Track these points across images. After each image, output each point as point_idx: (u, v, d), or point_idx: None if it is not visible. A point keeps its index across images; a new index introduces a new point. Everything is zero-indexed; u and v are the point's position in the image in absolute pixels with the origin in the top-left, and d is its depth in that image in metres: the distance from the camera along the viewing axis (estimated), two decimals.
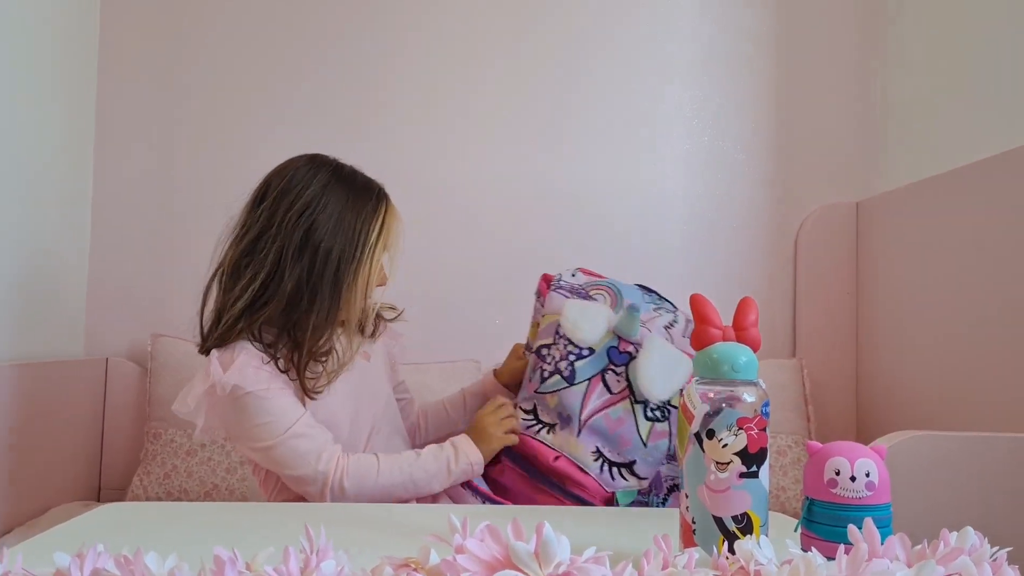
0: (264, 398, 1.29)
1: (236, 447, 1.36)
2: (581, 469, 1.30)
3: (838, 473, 0.77)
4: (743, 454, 0.77)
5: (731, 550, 0.70)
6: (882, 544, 0.68)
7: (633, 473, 1.32)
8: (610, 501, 1.31)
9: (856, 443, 0.80)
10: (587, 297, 1.41)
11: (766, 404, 0.79)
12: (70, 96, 2.07)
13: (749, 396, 0.78)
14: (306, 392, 1.34)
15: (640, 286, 1.47)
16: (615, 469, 1.31)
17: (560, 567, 0.59)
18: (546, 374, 1.36)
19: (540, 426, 1.36)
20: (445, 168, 2.28)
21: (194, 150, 2.22)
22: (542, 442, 1.33)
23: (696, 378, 0.81)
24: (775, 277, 2.32)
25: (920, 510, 1.17)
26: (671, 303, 1.46)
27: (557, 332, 1.37)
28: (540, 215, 2.29)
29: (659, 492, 1.36)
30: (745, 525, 0.77)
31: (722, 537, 0.77)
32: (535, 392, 1.37)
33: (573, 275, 1.47)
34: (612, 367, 1.34)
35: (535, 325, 1.46)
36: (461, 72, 2.30)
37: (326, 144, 2.04)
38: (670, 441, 1.33)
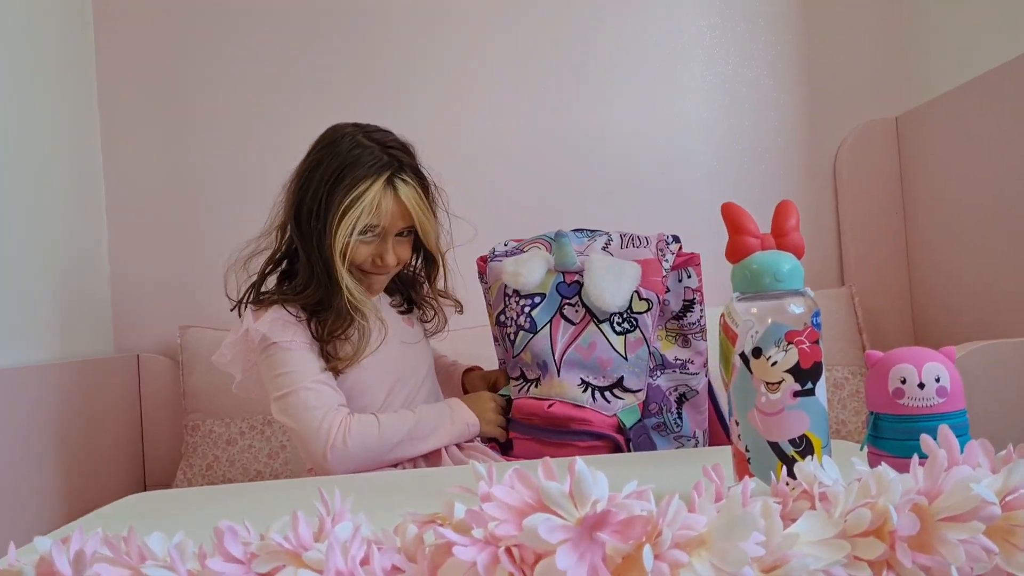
0: (287, 350, 1.33)
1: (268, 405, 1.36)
2: (576, 405, 1.29)
3: (904, 381, 0.70)
4: (795, 371, 0.70)
5: (791, 475, 0.63)
6: (961, 453, 0.60)
7: (625, 389, 1.31)
8: (619, 428, 1.29)
9: (923, 347, 0.72)
10: (522, 252, 1.42)
11: (816, 314, 0.71)
12: (69, 90, 2.02)
13: (796, 307, 0.71)
14: (332, 369, 1.36)
15: (573, 230, 1.45)
16: (606, 392, 1.30)
17: (597, 505, 0.52)
18: (511, 336, 1.37)
19: (528, 384, 1.36)
20: (457, 121, 2.20)
21: (205, 134, 2.16)
22: (533, 397, 1.33)
23: (736, 294, 0.74)
24: (815, 205, 2.22)
25: (992, 422, 1.09)
26: (602, 231, 1.45)
27: (505, 293, 1.38)
28: (559, 163, 2.20)
29: (669, 407, 1.34)
30: (804, 448, 0.70)
31: (780, 463, 0.70)
32: (513, 358, 1.38)
33: (505, 244, 1.49)
34: (566, 301, 1.34)
35: (489, 306, 1.47)
36: (471, 14, 2.21)
37: (345, 113, 1.99)
38: (647, 346, 1.32)
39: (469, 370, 1.65)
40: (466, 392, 1.58)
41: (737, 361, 0.71)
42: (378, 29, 2.19)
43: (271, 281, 1.43)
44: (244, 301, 1.41)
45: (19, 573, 0.50)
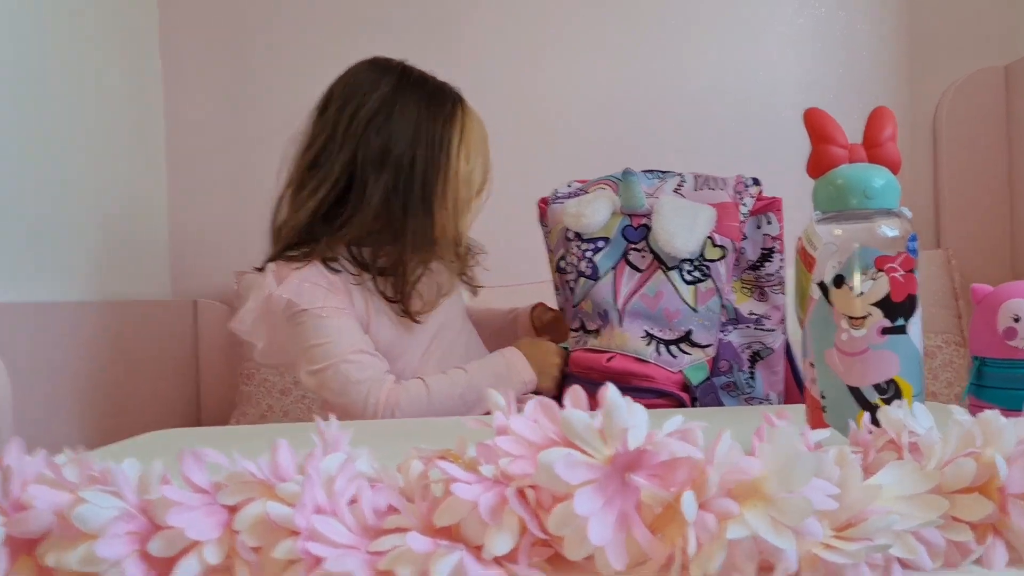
0: (321, 317, 1.19)
1: (296, 373, 1.26)
2: (639, 359, 1.17)
3: (1017, 320, 0.59)
4: (885, 304, 0.59)
5: (875, 423, 0.52)
6: None
7: (693, 344, 1.18)
8: (684, 385, 1.18)
9: None
10: (586, 194, 1.30)
11: (913, 239, 0.60)
12: (132, 34, 1.99)
13: (889, 229, 0.60)
14: (411, 318, 1.25)
15: (643, 172, 1.32)
16: (672, 347, 1.18)
17: (631, 441, 0.42)
18: (572, 283, 1.24)
19: (587, 335, 1.24)
20: (525, 73, 2.10)
21: (264, 79, 2.11)
22: (591, 349, 1.22)
23: (817, 213, 0.63)
24: (912, 162, 2.06)
25: None
26: (674, 171, 1.32)
27: (566, 237, 1.25)
28: (635, 117, 2.08)
29: (741, 366, 1.21)
30: (892, 396, 0.59)
31: (861, 413, 0.59)
32: (573, 307, 1.26)
33: (569, 186, 1.35)
34: (632, 246, 1.21)
35: (549, 252, 1.34)
36: None
37: (390, 49, 1.91)
38: (719, 297, 1.19)
39: (535, 308, 1.50)
40: (536, 330, 1.46)
41: (815, 292, 0.61)
42: None
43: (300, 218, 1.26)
44: (273, 256, 1.27)
45: None
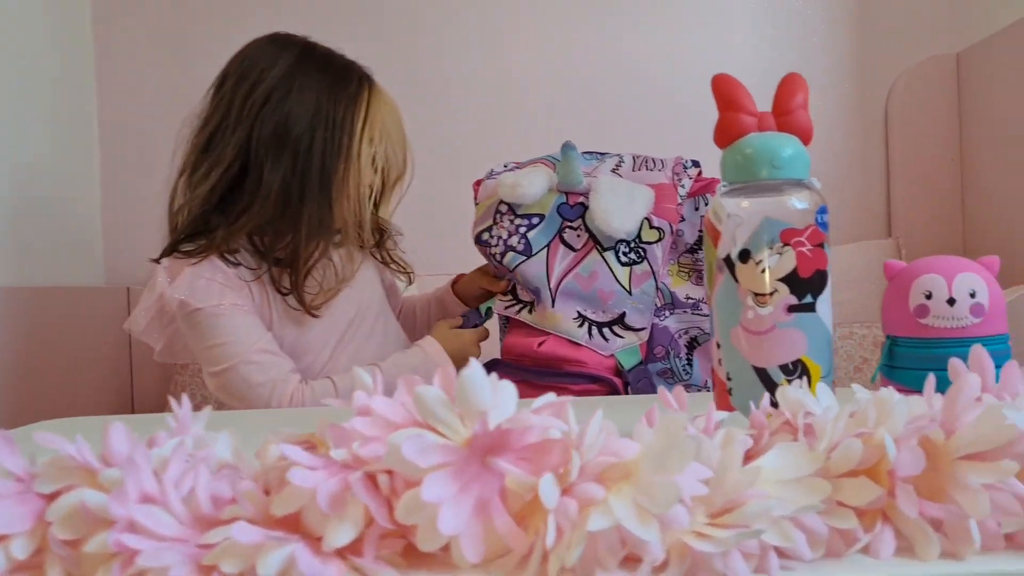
0: (217, 315, 1.12)
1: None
2: (571, 342, 1.14)
3: (929, 296, 0.55)
4: (792, 280, 0.55)
5: (774, 404, 0.49)
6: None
7: (626, 327, 1.15)
8: (615, 368, 1.15)
9: (956, 257, 0.58)
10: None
11: (822, 211, 0.57)
12: (63, 14, 1.93)
13: (799, 201, 0.57)
14: (307, 311, 1.17)
15: (582, 152, 1.28)
16: (605, 329, 1.15)
17: (490, 421, 0.39)
18: (498, 256, 1.20)
19: (520, 305, 1.21)
20: (479, 55, 2.05)
21: (201, 64, 2.04)
22: (526, 325, 1.19)
23: (724, 185, 0.60)
24: (864, 148, 2.04)
25: None
26: (613, 152, 1.29)
27: (497, 211, 1.21)
28: (589, 92, 2.04)
29: (678, 352, 1.18)
30: (799, 376, 0.56)
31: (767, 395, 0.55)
32: (509, 271, 1.21)
33: (505, 166, 1.30)
34: (568, 224, 1.18)
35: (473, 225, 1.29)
36: None
37: (358, 46, 1.86)
38: (655, 280, 1.16)
39: (456, 281, 1.44)
40: (465, 301, 1.41)
41: (721, 267, 0.57)
42: None
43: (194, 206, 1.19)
44: (168, 249, 1.20)
45: None
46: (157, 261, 1.19)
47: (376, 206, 1.28)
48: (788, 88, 0.60)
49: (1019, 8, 1.75)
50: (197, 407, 1.44)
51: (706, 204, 1.20)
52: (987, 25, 1.90)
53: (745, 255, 0.56)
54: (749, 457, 0.43)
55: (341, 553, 0.38)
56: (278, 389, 1.12)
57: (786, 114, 0.59)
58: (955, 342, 0.54)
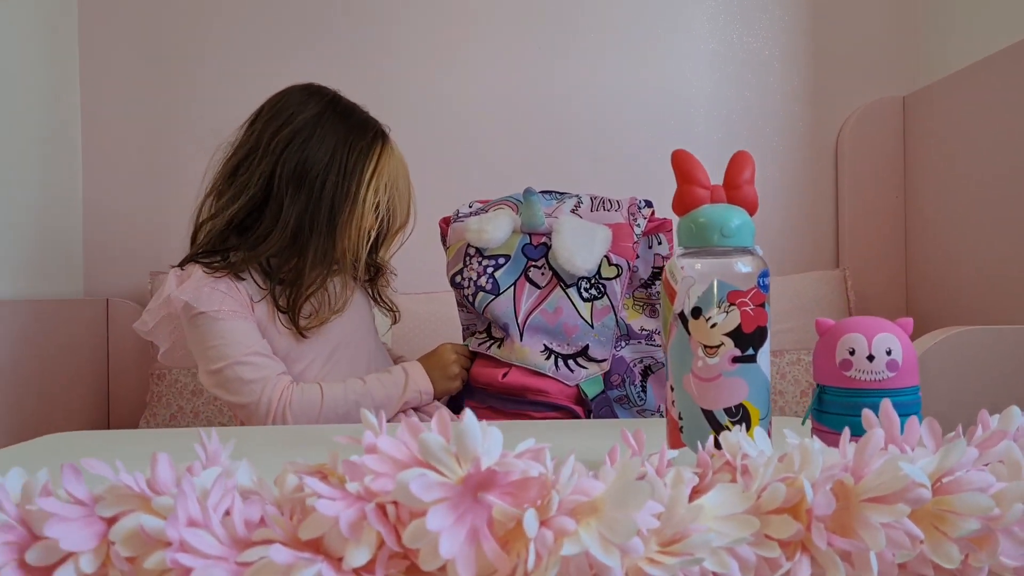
0: (216, 319, 1.25)
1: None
2: (535, 373, 1.24)
3: (852, 352, 0.64)
4: (736, 335, 0.64)
5: (717, 445, 0.57)
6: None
7: (589, 358, 1.25)
8: (579, 398, 1.24)
9: (877, 317, 0.67)
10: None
11: (764, 274, 0.66)
12: (49, 28, 1.97)
13: (743, 266, 0.65)
14: (299, 331, 1.30)
15: (541, 192, 1.38)
16: (570, 361, 1.24)
17: (482, 463, 0.47)
18: (470, 297, 1.30)
19: (491, 342, 1.31)
20: (440, 82, 2.13)
21: (184, 81, 2.11)
22: (492, 358, 1.28)
23: (680, 248, 0.68)
24: (815, 183, 2.15)
25: (965, 411, 1.03)
26: (571, 193, 1.39)
27: (466, 253, 1.31)
28: (550, 128, 2.13)
29: (633, 380, 1.28)
30: (740, 418, 0.65)
31: (714, 435, 0.64)
32: (480, 315, 1.32)
33: (470, 206, 1.41)
34: (532, 263, 1.28)
35: (447, 267, 1.40)
36: None
37: (319, 63, 1.93)
38: (615, 314, 1.26)
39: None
40: None
41: (676, 321, 0.66)
42: None
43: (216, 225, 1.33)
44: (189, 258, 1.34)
45: None
46: (180, 267, 1.31)
47: (377, 248, 1.41)
48: (737, 165, 0.69)
49: (961, 59, 1.86)
50: (172, 416, 1.52)
51: (659, 243, 1.30)
52: (932, 72, 2.02)
53: (697, 312, 0.65)
54: (696, 492, 0.51)
55: (357, 572, 0.45)
56: (268, 386, 1.24)
57: (735, 188, 0.68)
58: (873, 392, 0.63)
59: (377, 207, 1.34)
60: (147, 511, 0.46)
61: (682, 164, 0.69)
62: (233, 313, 1.26)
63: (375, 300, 1.48)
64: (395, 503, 0.48)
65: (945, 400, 1.11)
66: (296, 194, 1.28)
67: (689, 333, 0.65)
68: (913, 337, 1.79)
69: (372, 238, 1.37)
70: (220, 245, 1.31)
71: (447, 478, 0.47)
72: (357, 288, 1.42)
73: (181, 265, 1.32)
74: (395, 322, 1.53)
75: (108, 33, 2.09)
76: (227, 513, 0.48)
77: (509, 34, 2.14)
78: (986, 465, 0.52)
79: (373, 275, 1.46)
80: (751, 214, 0.68)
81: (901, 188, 2.09)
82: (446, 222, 1.40)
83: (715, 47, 2.14)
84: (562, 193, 1.37)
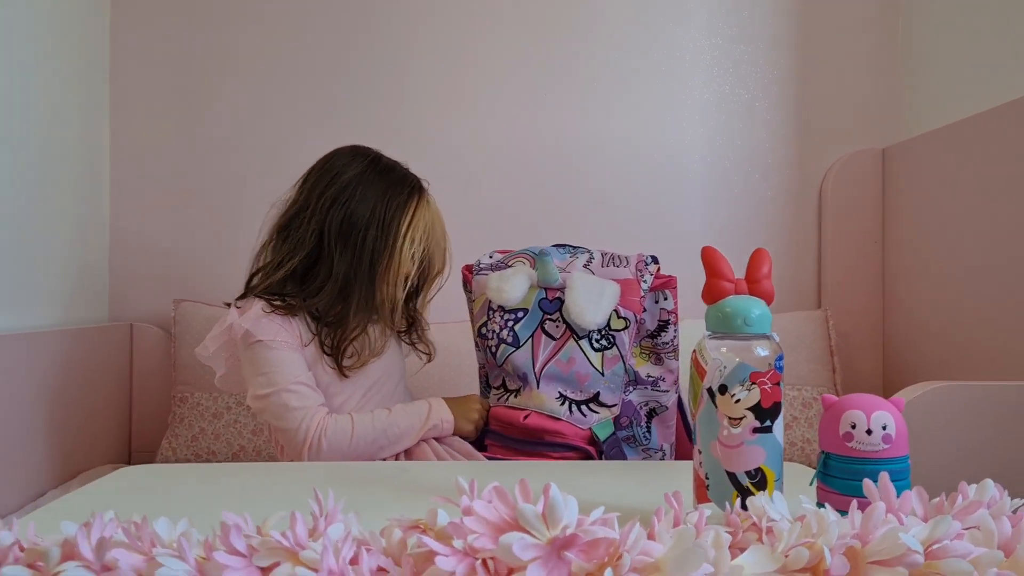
0: (270, 348, 1.37)
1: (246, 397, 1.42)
2: (552, 417, 1.35)
3: (854, 427, 0.76)
4: (756, 409, 0.76)
5: (744, 506, 0.69)
6: (898, 498, 0.67)
7: (601, 404, 1.37)
8: (591, 439, 1.35)
9: (873, 395, 0.79)
10: (507, 267, 1.48)
11: (780, 358, 0.77)
12: (80, 60, 2.06)
13: (762, 350, 0.77)
14: (341, 371, 1.42)
15: (555, 245, 1.52)
16: (583, 406, 1.36)
17: (567, 529, 0.58)
18: (493, 348, 1.42)
19: (508, 394, 1.42)
20: (451, 127, 2.25)
21: (213, 113, 2.21)
22: (511, 407, 1.39)
23: (708, 332, 0.80)
24: (800, 227, 2.29)
25: (944, 461, 1.16)
26: (584, 248, 1.52)
27: (489, 307, 1.44)
28: (552, 174, 2.26)
29: (639, 421, 1.41)
30: (759, 480, 0.76)
31: (736, 493, 0.76)
32: (497, 367, 1.43)
33: (490, 256, 1.53)
34: (547, 317, 1.40)
35: (472, 316, 1.53)
36: (463, 24, 2.26)
37: (344, 103, 2.03)
38: (624, 363, 1.38)
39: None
40: None
41: (705, 395, 0.78)
42: (383, 26, 2.23)
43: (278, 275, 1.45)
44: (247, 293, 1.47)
45: (45, 553, 0.55)
46: (239, 298, 1.46)
47: (416, 296, 1.53)
48: (757, 262, 0.81)
49: (940, 117, 2.00)
50: (194, 438, 1.64)
51: (664, 299, 1.42)
52: (911, 127, 2.16)
53: (723, 388, 0.76)
54: (730, 548, 0.63)
55: None
56: (307, 416, 1.35)
57: (755, 282, 0.80)
58: (871, 461, 0.75)
59: (414, 256, 1.46)
60: (296, 563, 0.57)
61: (710, 260, 0.81)
62: (286, 344, 1.38)
63: (411, 345, 1.60)
64: (492, 558, 0.59)
65: (921, 452, 1.24)
66: (344, 248, 1.41)
67: (716, 406, 0.77)
68: (890, 386, 1.92)
69: (409, 286, 1.48)
70: (278, 289, 1.43)
71: (538, 539, 0.58)
72: (392, 335, 1.53)
73: (241, 298, 1.45)
74: (429, 361, 1.63)
75: (138, 62, 2.19)
76: (352, 561, 0.60)
77: (516, 87, 2.27)
78: (966, 530, 0.64)
79: (409, 324, 1.58)
80: (768, 303, 0.80)
81: (880, 236, 2.23)
82: (468, 270, 1.52)
83: (708, 98, 2.27)
84: (575, 247, 1.49)
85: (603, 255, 1.46)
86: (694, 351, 0.81)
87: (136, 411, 2.11)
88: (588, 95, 2.26)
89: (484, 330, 1.44)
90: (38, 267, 1.82)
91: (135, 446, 2.10)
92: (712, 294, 0.80)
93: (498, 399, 1.43)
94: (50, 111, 1.89)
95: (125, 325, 2.10)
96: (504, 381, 1.43)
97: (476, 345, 1.51)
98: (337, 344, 1.41)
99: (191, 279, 2.15)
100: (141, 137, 2.19)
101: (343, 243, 1.41)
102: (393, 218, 1.44)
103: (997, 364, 1.73)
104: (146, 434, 2.10)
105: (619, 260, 1.44)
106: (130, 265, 2.17)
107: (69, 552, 0.56)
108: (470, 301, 1.51)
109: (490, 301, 1.43)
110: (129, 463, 2.09)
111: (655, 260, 1.43)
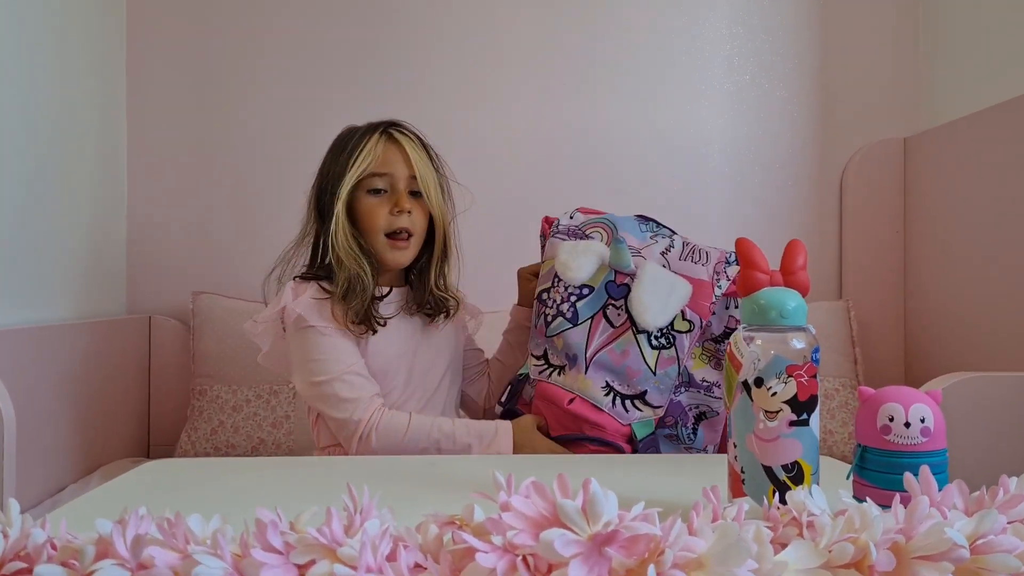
0: (324, 335, 1.34)
1: (292, 380, 1.40)
2: (595, 407, 1.30)
3: (892, 419, 0.75)
4: (792, 402, 0.75)
5: (782, 500, 0.68)
6: (940, 490, 0.66)
7: (646, 403, 1.30)
8: (629, 436, 1.30)
9: (910, 388, 0.78)
10: (583, 236, 1.41)
11: (816, 350, 0.76)
12: (98, 53, 2.06)
13: (798, 342, 0.76)
14: (368, 326, 1.37)
15: (639, 216, 1.45)
16: (627, 401, 1.30)
17: (609, 525, 0.57)
18: (549, 318, 1.36)
19: (551, 369, 1.36)
20: (472, 120, 2.25)
21: (228, 106, 2.21)
22: (557, 385, 1.33)
23: (743, 325, 0.79)
24: (821, 217, 2.27)
25: (974, 453, 1.14)
26: (669, 229, 1.44)
27: (555, 275, 1.38)
28: (575, 164, 2.25)
29: (686, 422, 1.34)
30: (796, 474, 0.75)
31: (772, 487, 0.75)
32: (544, 336, 1.37)
33: (571, 216, 1.47)
34: (612, 301, 1.33)
35: (539, 277, 1.46)
36: (484, 14, 2.25)
37: (360, 93, 2.02)
38: (679, 366, 1.31)
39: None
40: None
41: (740, 388, 0.77)
42: (407, 15, 2.23)
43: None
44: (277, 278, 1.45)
45: (81, 551, 0.55)
46: (298, 277, 1.43)
47: (434, 270, 1.49)
48: (792, 253, 0.79)
49: (961, 107, 1.98)
50: (213, 431, 1.64)
51: (736, 306, 1.34)
52: (932, 117, 2.14)
53: (759, 381, 0.75)
54: (772, 543, 0.62)
55: None
56: (360, 407, 1.32)
57: (791, 273, 0.79)
58: (909, 454, 0.74)
59: (359, 186, 1.41)
60: (334, 560, 0.56)
61: (745, 251, 0.79)
62: (338, 331, 1.35)
63: (447, 317, 1.50)
64: (532, 555, 0.58)
65: (952, 444, 1.22)
66: (318, 216, 1.43)
67: (752, 400, 0.76)
68: (912, 377, 1.91)
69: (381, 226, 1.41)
70: (311, 275, 1.42)
71: (579, 536, 0.57)
72: (445, 324, 1.49)
73: (302, 278, 1.42)
74: (478, 325, 1.60)
75: (155, 53, 2.19)
76: (389, 558, 0.59)
77: (539, 79, 2.27)
78: (1009, 523, 0.63)
79: (438, 305, 1.49)
80: (804, 295, 0.78)
81: (901, 226, 2.21)
82: (548, 223, 1.47)
83: (730, 88, 2.26)
84: (659, 226, 1.43)
85: (684, 245, 1.37)
86: (729, 343, 0.80)
87: (154, 404, 2.12)
88: (610, 86, 2.25)
89: (545, 296, 1.38)
90: (56, 261, 1.82)
91: (154, 440, 2.10)
92: (747, 286, 0.79)
93: (539, 372, 1.37)
94: (66, 103, 1.89)
95: (143, 318, 2.10)
96: (547, 353, 1.37)
97: (535, 313, 1.43)
98: (359, 310, 1.35)
99: (209, 271, 2.15)
100: (158, 129, 2.19)
101: (317, 212, 1.42)
102: (336, 163, 1.42)
103: (1020, 355, 1.71)
104: (165, 428, 2.11)
105: (699, 255, 1.36)
106: (148, 258, 2.17)
107: (104, 550, 0.56)
108: (541, 256, 1.46)
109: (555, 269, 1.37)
110: (148, 457, 2.09)
111: (736, 261, 1.37)
